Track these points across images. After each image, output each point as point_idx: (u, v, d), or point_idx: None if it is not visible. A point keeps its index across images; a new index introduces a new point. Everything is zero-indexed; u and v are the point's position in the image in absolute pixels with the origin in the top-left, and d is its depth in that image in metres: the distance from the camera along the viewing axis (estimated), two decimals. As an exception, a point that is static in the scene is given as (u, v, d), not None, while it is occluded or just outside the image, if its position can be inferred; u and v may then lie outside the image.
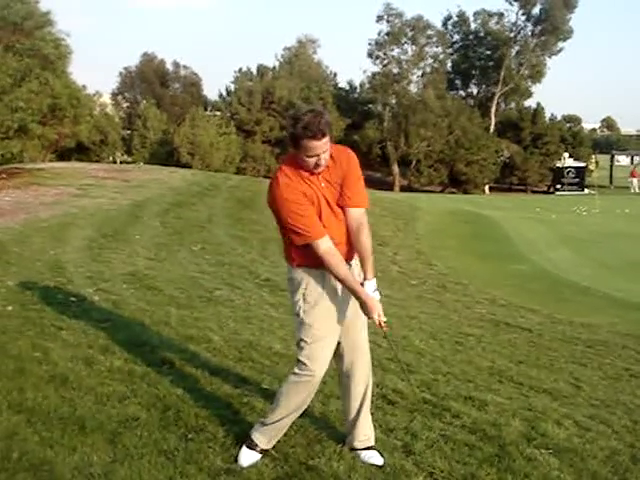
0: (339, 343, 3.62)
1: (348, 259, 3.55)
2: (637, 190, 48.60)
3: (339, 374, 3.78)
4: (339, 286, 3.50)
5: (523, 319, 9.77)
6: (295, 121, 3.27)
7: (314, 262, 3.42)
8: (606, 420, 4.87)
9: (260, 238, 13.86)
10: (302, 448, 3.71)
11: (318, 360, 3.47)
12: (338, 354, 3.67)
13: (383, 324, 3.49)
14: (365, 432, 3.73)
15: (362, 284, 3.51)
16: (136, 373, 4.80)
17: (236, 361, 5.38)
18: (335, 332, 3.55)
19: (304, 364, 3.46)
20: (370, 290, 3.52)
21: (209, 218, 16.24)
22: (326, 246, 3.37)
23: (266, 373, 5.05)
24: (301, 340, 3.49)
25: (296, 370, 3.50)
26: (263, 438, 3.60)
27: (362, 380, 3.70)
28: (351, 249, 3.57)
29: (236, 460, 3.53)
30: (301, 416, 3.94)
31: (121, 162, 45.65)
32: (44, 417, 3.92)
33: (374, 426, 3.88)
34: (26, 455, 3.46)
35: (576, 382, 6.10)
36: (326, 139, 3.29)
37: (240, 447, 3.62)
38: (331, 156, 3.41)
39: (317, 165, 3.35)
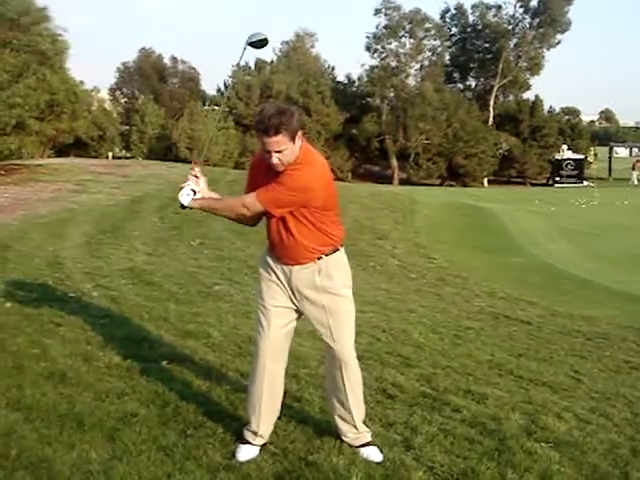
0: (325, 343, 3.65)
1: (287, 263, 3.56)
2: (636, 182, 48.55)
3: None
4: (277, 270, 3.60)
5: (522, 312, 9.77)
6: (258, 112, 3.34)
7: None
8: (606, 413, 4.86)
9: (258, 232, 13.68)
10: (301, 443, 3.70)
11: (261, 334, 3.58)
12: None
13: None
14: (349, 431, 3.68)
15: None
16: (135, 369, 4.79)
17: (235, 356, 5.37)
18: (277, 309, 3.58)
19: (255, 340, 3.65)
20: (190, 186, 3.60)
21: (208, 213, 16.20)
22: None
23: (265, 368, 5.03)
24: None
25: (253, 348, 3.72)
26: (247, 431, 3.63)
27: (335, 381, 3.64)
28: (291, 254, 3.53)
29: (234, 456, 3.53)
30: (300, 411, 3.94)
31: (114, 157, 45.51)
32: (43, 414, 3.91)
33: (373, 421, 3.86)
34: (25, 452, 3.44)
35: (576, 375, 6.10)
36: (278, 138, 3.25)
37: (237, 442, 3.62)
38: (297, 161, 3.37)
39: (272, 164, 3.35)
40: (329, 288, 3.55)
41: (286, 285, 3.58)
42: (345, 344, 3.59)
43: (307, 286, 3.54)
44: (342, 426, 3.69)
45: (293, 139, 3.31)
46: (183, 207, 3.58)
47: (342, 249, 3.64)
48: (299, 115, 3.39)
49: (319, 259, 3.53)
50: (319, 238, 3.52)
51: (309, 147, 3.49)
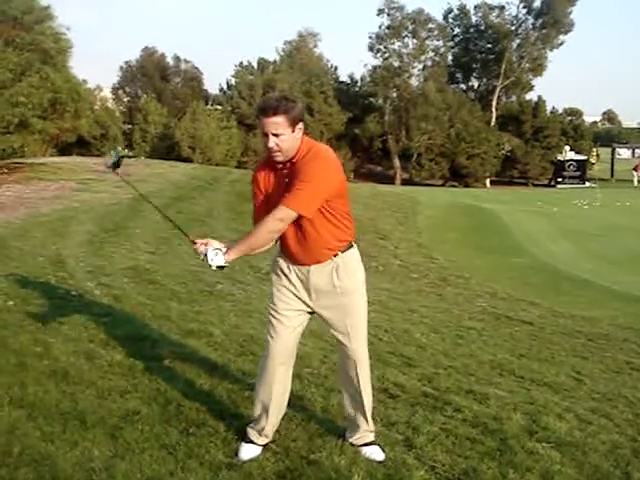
0: (337, 346, 3.66)
1: (303, 263, 3.52)
2: (636, 184, 48.50)
3: None
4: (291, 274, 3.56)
5: (524, 312, 9.77)
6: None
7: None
8: (607, 413, 4.86)
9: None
10: (303, 442, 3.71)
11: (273, 338, 3.55)
12: (338, 352, 3.72)
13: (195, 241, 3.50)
14: (361, 431, 3.70)
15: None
16: (137, 367, 4.80)
17: (237, 355, 5.38)
18: (290, 313, 3.56)
19: (265, 344, 3.61)
20: (217, 243, 3.45)
21: (210, 212, 16.25)
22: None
23: (267, 367, 5.04)
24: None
25: (263, 352, 3.67)
26: (252, 431, 3.64)
27: (349, 380, 3.65)
28: (309, 253, 3.49)
29: (236, 454, 3.54)
30: (302, 410, 3.95)
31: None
32: (45, 412, 3.92)
33: (375, 420, 3.87)
34: (27, 450, 3.45)
35: (577, 375, 6.09)
36: (276, 119, 3.25)
37: (240, 441, 3.63)
38: (301, 154, 3.36)
39: (269, 148, 3.32)
40: (346, 287, 3.54)
41: (301, 287, 3.54)
42: (360, 343, 3.60)
43: (324, 286, 3.52)
44: (355, 421, 3.70)
45: (292, 126, 3.29)
46: (222, 268, 3.44)
47: (355, 245, 3.63)
48: (302, 107, 3.39)
49: (335, 256, 3.51)
50: (336, 232, 3.49)
51: (311, 139, 3.46)
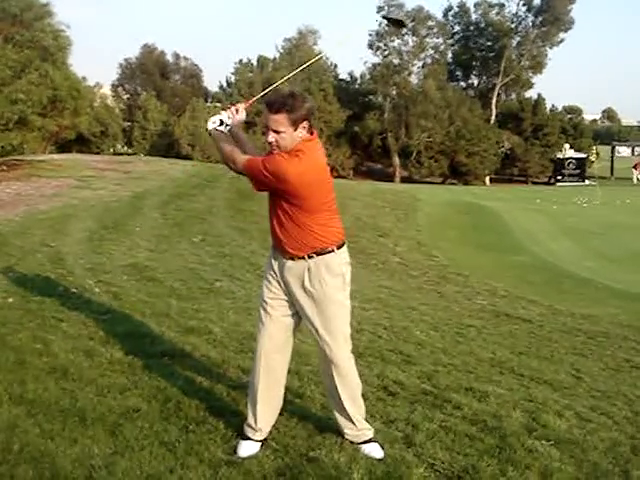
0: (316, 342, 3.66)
1: (280, 254, 3.56)
2: (635, 182, 48.52)
3: None
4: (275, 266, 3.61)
5: (524, 310, 9.78)
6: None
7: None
8: (607, 411, 4.87)
9: (260, 229, 13.81)
10: (303, 439, 3.71)
11: (260, 329, 3.62)
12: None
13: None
14: (347, 428, 3.67)
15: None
16: (137, 365, 4.80)
17: (237, 352, 5.39)
18: (275, 302, 3.59)
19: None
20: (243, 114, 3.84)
21: (209, 209, 16.23)
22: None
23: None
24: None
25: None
26: (247, 426, 3.64)
27: (328, 381, 3.65)
28: (280, 245, 3.54)
29: (235, 452, 3.54)
30: (301, 408, 3.95)
31: (116, 153, 45.59)
32: (45, 409, 3.92)
33: (374, 418, 3.87)
34: (27, 447, 3.45)
35: (577, 373, 6.11)
36: (277, 117, 3.30)
37: (238, 438, 3.63)
38: (289, 152, 3.36)
39: (269, 142, 3.39)
40: (318, 293, 3.50)
41: (279, 278, 3.59)
42: (335, 346, 3.55)
43: (296, 284, 3.52)
44: (341, 422, 3.69)
45: (294, 125, 3.31)
46: (207, 130, 3.82)
47: (339, 250, 3.55)
48: (310, 107, 3.38)
49: (310, 257, 3.49)
50: (304, 235, 3.47)
51: (313, 146, 3.44)
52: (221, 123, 3.76)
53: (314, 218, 3.47)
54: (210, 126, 3.77)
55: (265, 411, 3.64)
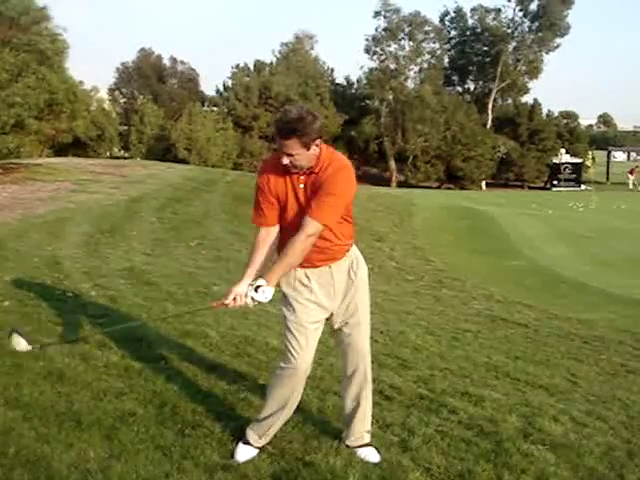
0: (340, 343, 3.66)
1: (322, 265, 3.53)
2: (631, 187, 48.70)
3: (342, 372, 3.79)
4: (313, 281, 3.54)
5: (520, 315, 9.78)
6: (282, 111, 3.34)
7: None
8: (602, 416, 4.87)
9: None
10: (299, 444, 3.71)
11: (299, 352, 3.49)
12: (340, 354, 3.73)
13: (218, 304, 3.49)
14: (359, 432, 3.71)
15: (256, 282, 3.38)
16: (133, 369, 4.79)
17: (233, 357, 5.38)
18: (315, 325, 3.54)
19: (287, 356, 3.51)
20: (244, 285, 3.44)
21: (206, 214, 16.23)
22: (257, 235, 3.60)
23: (263, 369, 5.04)
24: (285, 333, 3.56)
25: (281, 364, 3.56)
26: (253, 434, 3.62)
27: (357, 381, 3.67)
28: (326, 254, 3.52)
29: (232, 456, 3.54)
30: (298, 412, 3.94)
31: (113, 157, 45.58)
32: (41, 412, 3.91)
33: (371, 422, 3.87)
34: (23, 451, 3.45)
35: (573, 378, 6.11)
36: (289, 142, 3.23)
37: (237, 443, 3.63)
38: (322, 165, 3.35)
39: (284, 164, 3.32)
40: (361, 276, 3.65)
41: (321, 293, 3.53)
42: (367, 336, 3.69)
43: (344, 282, 3.59)
44: (353, 422, 3.71)
45: (307, 146, 3.26)
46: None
47: None
48: (319, 124, 3.33)
49: (349, 252, 3.62)
50: (348, 230, 3.59)
51: (330, 148, 3.45)
52: (259, 288, 3.36)
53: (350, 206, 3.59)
54: (269, 293, 3.35)
55: (279, 426, 3.66)
